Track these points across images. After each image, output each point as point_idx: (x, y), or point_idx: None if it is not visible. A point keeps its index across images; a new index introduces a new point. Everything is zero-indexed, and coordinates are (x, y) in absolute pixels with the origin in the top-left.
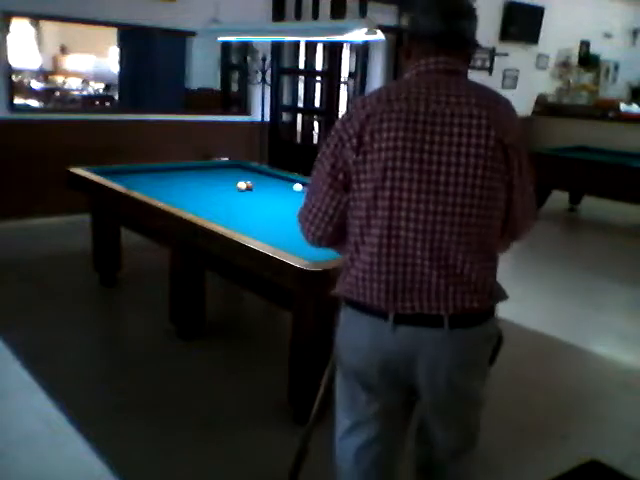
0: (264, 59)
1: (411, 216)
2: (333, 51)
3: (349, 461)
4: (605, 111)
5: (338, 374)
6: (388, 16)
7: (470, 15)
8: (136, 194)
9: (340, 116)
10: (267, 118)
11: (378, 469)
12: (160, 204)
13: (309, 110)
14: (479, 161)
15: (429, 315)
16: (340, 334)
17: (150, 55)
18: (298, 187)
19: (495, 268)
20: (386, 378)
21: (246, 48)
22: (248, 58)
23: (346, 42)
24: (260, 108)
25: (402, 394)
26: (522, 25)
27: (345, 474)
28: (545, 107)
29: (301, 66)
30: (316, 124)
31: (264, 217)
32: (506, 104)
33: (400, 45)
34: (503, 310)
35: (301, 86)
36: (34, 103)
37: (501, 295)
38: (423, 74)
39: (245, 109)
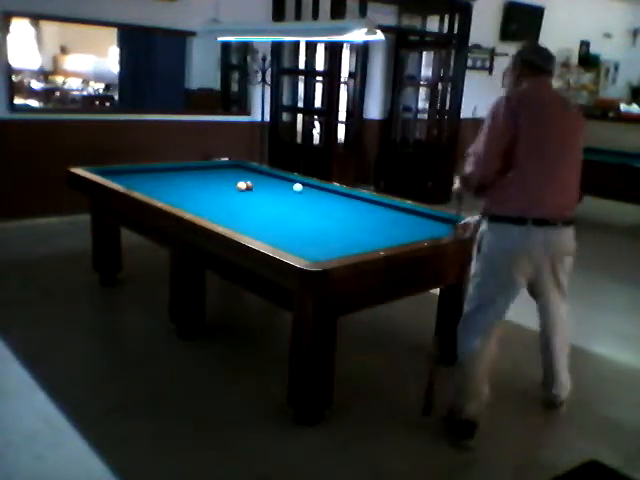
0: (264, 59)
1: (542, 164)
2: (333, 51)
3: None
4: (605, 111)
5: (481, 270)
6: (388, 16)
7: (554, 58)
8: (136, 194)
9: (505, 98)
10: (267, 118)
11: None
12: (160, 204)
13: (309, 110)
14: (578, 134)
15: (547, 219)
16: (492, 240)
17: (150, 55)
18: (298, 187)
19: (577, 197)
20: (521, 267)
21: (246, 48)
22: (248, 58)
23: (346, 42)
24: (260, 108)
25: (524, 281)
26: (522, 25)
27: (470, 338)
28: None
29: (301, 66)
30: (316, 124)
31: (264, 217)
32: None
33: (401, 45)
34: None
35: (301, 86)
36: (34, 103)
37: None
38: (540, 85)
39: (245, 109)
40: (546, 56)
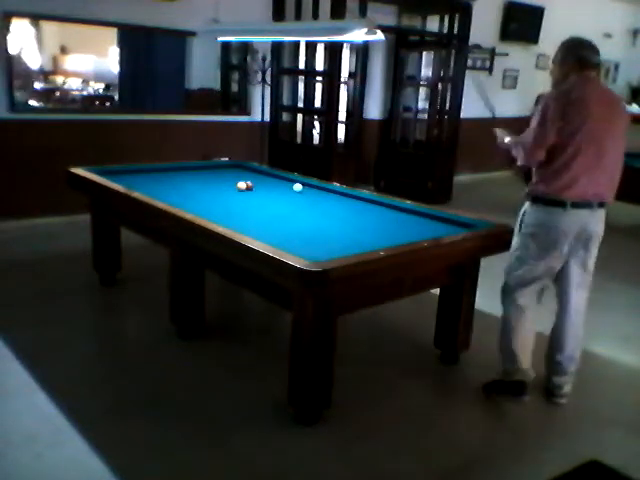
0: (264, 59)
1: (588, 157)
2: (333, 51)
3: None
4: None
5: (522, 244)
6: (388, 16)
7: (599, 53)
8: (136, 194)
9: (556, 94)
10: (267, 118)
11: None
12: (160, 204)
13: (309, 110)
14: (619, 125)
15: (584, 202)
16: (534, 218)
17: (150, 55)
18: (298, 187)
19: (616, 186)
20: (559, 243)
21: (246, 48)
22: (248, 58)
23: (346, 42)
24: (260, 108)
25: (560, 261)
26: (522, 25)
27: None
28: None
29: (301, 66)
30: (316, 124)
31: (264, 217)
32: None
33: (401, 45)
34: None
35: (301, 86)
36: (34, 103)
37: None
38: (585, 81)
39: (245, 109)
40: (595, 51)
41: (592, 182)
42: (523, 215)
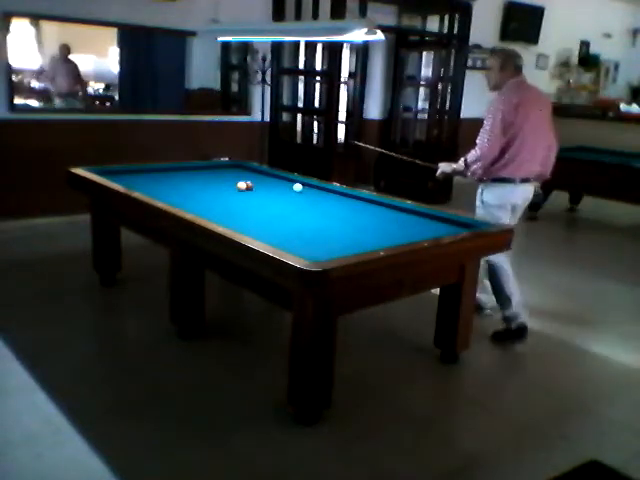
0: (264, 59)
1: (529, 145)
2: (333, 51)
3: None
4: (605, 111)
5: (489, 212)
6: (388, 16)
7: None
8: (136, 194)
9: (502, 101)
10: (267, 118)
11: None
12: (160, 204)
13: (309, 110)
14: (546, 115)
15: (526, 178)
16: (493, 193)
17: (150, 55)
18: (298, 187)
19: (552, 163)
20: (509, 206)
21: (246, 48)
22: (248, 58)
23: (346, 42)
24: (260, 108)
25: (512, 217)
26: (522, 25)
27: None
28: None
29: (301, 66)
30: (316, 124)
31: (264, 217)
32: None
33: (401, 45)
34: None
35: (301, 86)
36: (34, 103)
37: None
38: (520, 83)
39: (245, 109)
40: (521, 58)
41: (533, 164)
42: (482, 193)
